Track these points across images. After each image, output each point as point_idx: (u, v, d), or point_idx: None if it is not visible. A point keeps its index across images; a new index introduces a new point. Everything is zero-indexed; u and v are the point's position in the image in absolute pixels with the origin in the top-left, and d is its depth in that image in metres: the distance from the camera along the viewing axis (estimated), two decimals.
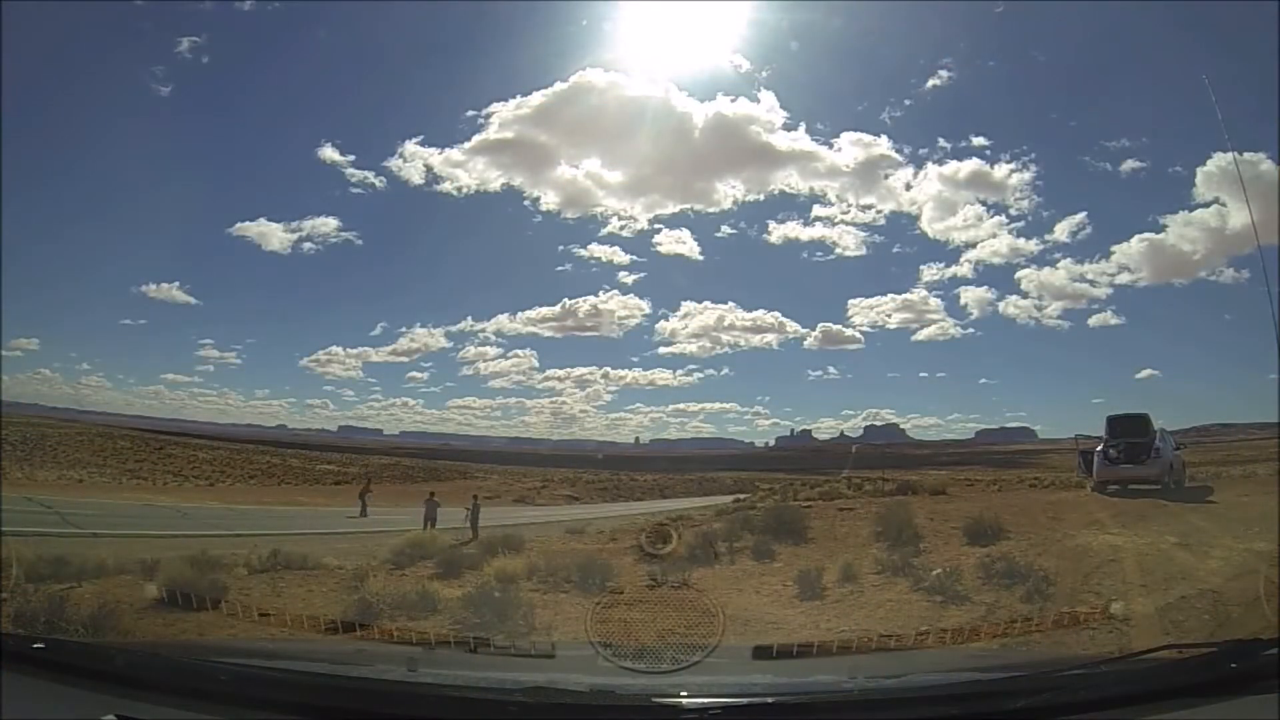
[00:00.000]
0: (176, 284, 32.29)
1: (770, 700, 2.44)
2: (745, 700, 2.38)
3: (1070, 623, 6.74)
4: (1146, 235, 32.80)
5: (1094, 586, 8.49)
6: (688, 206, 35.22)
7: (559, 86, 32.12)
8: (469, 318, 34.84)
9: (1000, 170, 33.53)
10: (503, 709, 2.25)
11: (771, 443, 39.32)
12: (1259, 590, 6.70)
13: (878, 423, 38.70)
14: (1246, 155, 24.65)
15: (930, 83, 34.05)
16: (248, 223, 32.82)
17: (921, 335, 35.39)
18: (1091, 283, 32.98)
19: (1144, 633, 6.60)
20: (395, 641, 5.50)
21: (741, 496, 24.21)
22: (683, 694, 2.38)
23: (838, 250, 35.08)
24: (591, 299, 35.19)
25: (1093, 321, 33.91)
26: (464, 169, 33.43)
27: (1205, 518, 12.11)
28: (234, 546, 12.19)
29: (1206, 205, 30.42)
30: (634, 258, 34.40)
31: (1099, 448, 17.96)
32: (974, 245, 33.91)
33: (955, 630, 6.58)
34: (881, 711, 2.33)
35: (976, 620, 7.47)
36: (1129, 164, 32.16)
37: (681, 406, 37.15)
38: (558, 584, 10.05)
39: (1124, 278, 32.38)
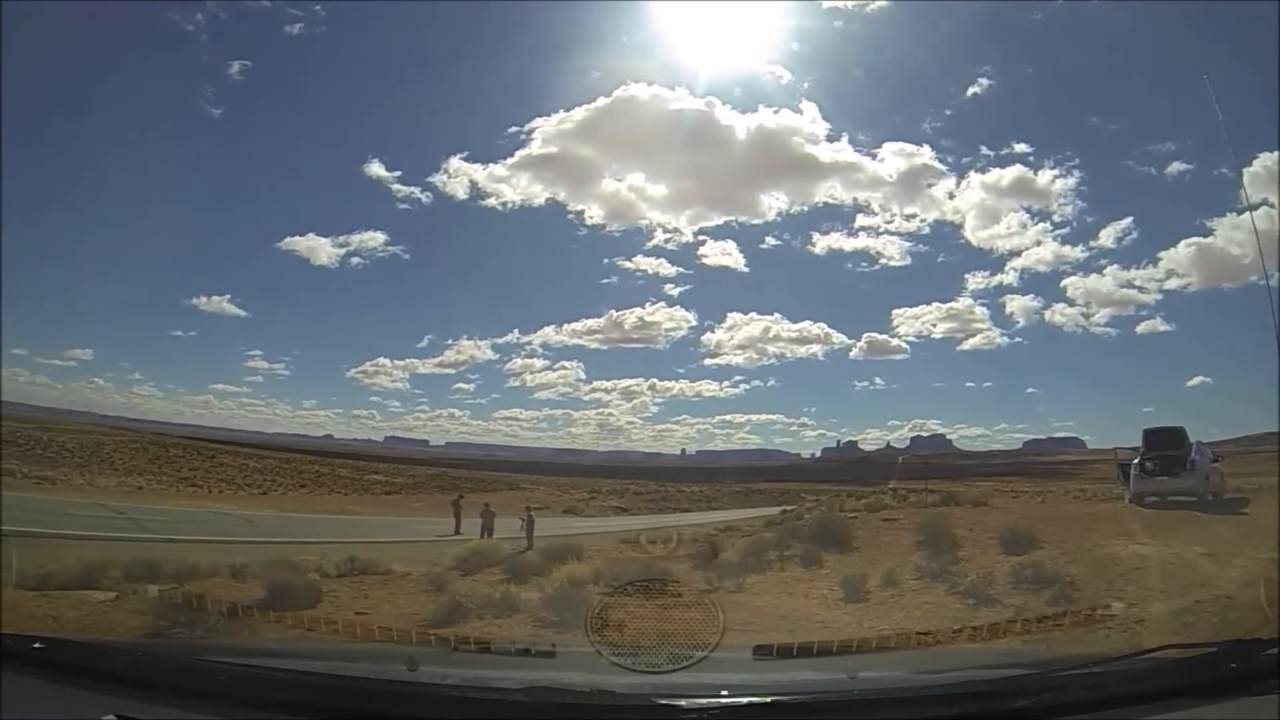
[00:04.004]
0: (227, 297, 33.48)
1: (770, 700, 2.43)
2: (745, 700, 2.40)
3: (1074, 624, 7.03)
4: (1194, 239, 32.17)
5: (1115, 592, 8.97)
6: (732, 218, 35.34)
7: (601, 101, 32.63)
8: (515, 330, 35.41)
9: (1043, 177, 33.16)
10: (503, 709, 2.30)
11: (818, 454, 39.19)
12: (1260, 592, 7.11)
13: (924, 433, 38.49)
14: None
15: (970, 91, 34.07)
16: (297, 238, 33.79)
17: (967, 345, 35.04)
18: (1139, 289, 32.43)
19: (1155, 633, 7.15)
20: (395, 641, 5.51)
21: (789, 508, 24.66)
22: (683, 694, 2.42)
23: (882, 260, 34.97)
24: (637, 311, 35.51)
25: (1141, 329, 33.18)
26: (508, 184, 34.18)
27: (1234, 528, 12.35)
28: (305, 553, 13.08)
29: (1255, 208, 29.98)
30: (679, 270, 34.72)
31: (1135, 460, 18.05)
32: (1018, 253, 33.58)
33: (957, 630, 6.88)
34: (882, 711, 2.38)
35: (1002, 621, 7.83)
36: (1174, 166, 31.79)
37: (728, 418, 37.45)
38: (623, 588, 11.01)
39: (1172, 283, 31.78)
